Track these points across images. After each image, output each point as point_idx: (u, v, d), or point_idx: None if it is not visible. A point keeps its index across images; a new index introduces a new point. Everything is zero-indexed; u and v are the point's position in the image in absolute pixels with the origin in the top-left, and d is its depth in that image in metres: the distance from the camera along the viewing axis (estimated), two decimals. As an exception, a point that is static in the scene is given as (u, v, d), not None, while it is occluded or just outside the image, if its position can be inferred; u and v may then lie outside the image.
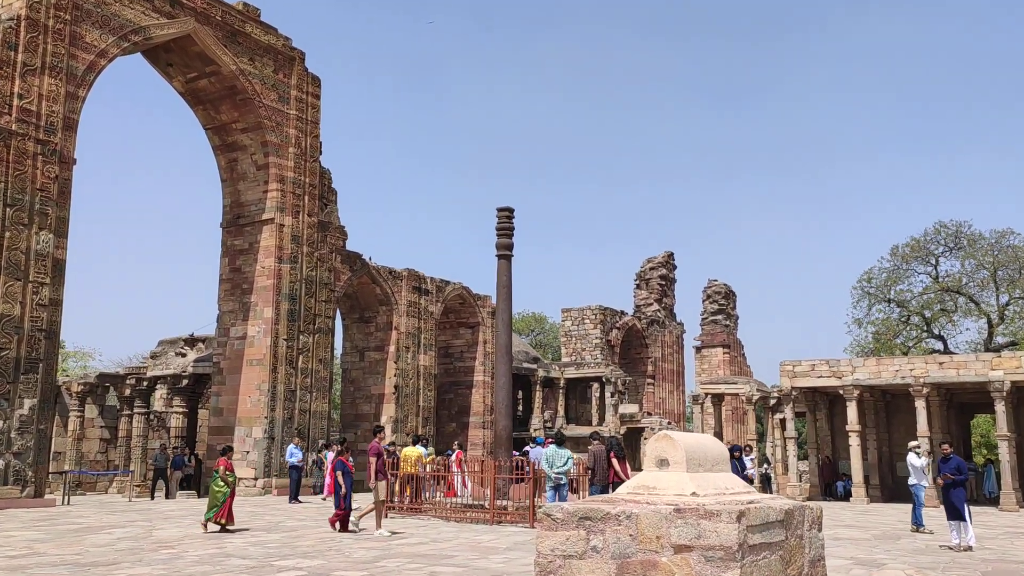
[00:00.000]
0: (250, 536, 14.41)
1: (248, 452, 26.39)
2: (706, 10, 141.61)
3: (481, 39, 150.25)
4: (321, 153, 29.45)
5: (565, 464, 15.03)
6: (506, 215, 19.35)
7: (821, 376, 30.38)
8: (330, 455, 23.40)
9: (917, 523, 17.12)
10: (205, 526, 14.91)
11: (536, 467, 17.71)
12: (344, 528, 14.88)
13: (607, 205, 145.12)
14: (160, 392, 34.49)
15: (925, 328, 53.86)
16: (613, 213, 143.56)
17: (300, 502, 22.70)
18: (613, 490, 16.27)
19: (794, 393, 30.97)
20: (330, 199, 30.06)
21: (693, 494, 7.56)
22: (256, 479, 25.99)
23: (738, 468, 16.75)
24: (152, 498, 25.28)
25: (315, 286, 28.62)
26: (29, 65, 21.25)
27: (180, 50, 26.15)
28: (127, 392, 30.07)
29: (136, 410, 29.03)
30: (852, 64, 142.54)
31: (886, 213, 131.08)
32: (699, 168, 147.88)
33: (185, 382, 28.88)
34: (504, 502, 17.58)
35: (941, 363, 28.61)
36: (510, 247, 19.29)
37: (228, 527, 14.97)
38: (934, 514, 18.52)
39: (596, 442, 15.21)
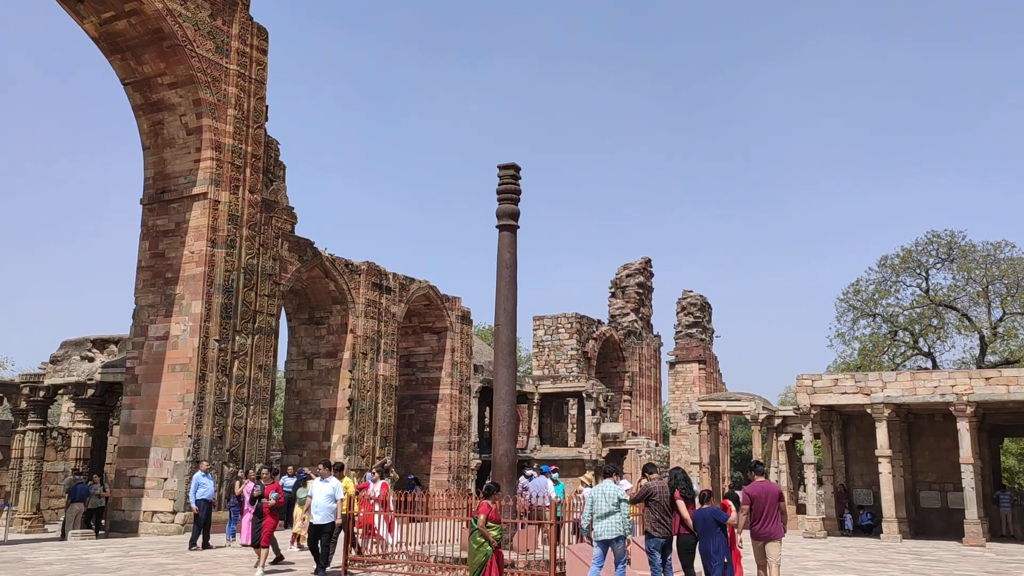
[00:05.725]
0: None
1: (166, 479, 21.25)
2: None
3: (444, 29, 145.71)
4: (267, 119, 24.62)
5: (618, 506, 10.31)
6: (511, 174, 14.73)
7: (846, 392, 26.35)
8: (249, 485, 18.44)
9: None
10: None
11: (536, 503, 12.97)
12: None
13: (578, 208, 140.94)
14: (68, 405, 29.05)
15: (913, 344, 50.70)
16: (585, 217, 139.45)
17: (212, 547, 17.82)
18: (678, 544, 11.61)
19: (813, 412, 26.89)
20: (277, 175, 25.20)
21: None
22: (174, 513, 20.85)
23: None
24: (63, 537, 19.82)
25: (256, 277, 23.66)
26: None
27: (93, -20, 21.22)
28: (22, 404, 24.68)
29: (30, 426, 23.66)
30: (849, 68, 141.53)
31: (873, 228, 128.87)
32: (676, 174, 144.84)
33: (91, 392, 23.60)
34: (508, 553, 12.91)
35: (988, 378, 24.81)
36: (515, 215, 14.64)
37: None
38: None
39: (653, 475, 10.69)
